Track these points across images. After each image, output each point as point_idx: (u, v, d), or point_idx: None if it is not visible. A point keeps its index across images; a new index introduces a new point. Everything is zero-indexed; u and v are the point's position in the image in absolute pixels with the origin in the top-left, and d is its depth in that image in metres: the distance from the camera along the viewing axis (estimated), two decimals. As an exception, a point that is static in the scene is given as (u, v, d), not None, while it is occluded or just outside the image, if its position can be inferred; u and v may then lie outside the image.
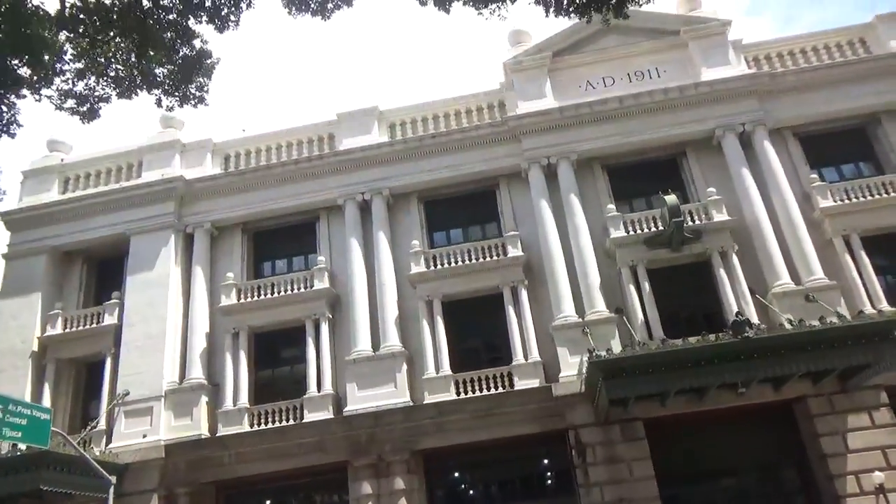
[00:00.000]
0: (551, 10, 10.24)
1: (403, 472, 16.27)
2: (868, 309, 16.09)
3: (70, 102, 10.40)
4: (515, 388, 16.82)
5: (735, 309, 16.59)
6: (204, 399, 18.16)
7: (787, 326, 14.31)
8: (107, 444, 17.58)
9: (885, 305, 16.31)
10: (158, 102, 10.50)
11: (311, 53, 51.19)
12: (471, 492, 17.07)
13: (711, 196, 18.23)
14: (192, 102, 10.62)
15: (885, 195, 17.85)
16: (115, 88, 10.51)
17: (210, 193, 20.98)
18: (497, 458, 17.01)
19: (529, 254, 18.64)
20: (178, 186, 20.68)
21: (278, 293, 19.21)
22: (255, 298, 19.25)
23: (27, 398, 18.43)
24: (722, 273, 17.28)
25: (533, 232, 18.97)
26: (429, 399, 17.05)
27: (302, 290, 19.13)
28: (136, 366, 18.54)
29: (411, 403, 17.06)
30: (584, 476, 15.47)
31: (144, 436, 17.55)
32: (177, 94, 10.48)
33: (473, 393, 17.03)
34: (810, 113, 19.31)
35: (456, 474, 17.27)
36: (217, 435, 17.51)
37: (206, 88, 10.54)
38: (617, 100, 19.68)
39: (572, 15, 10.13)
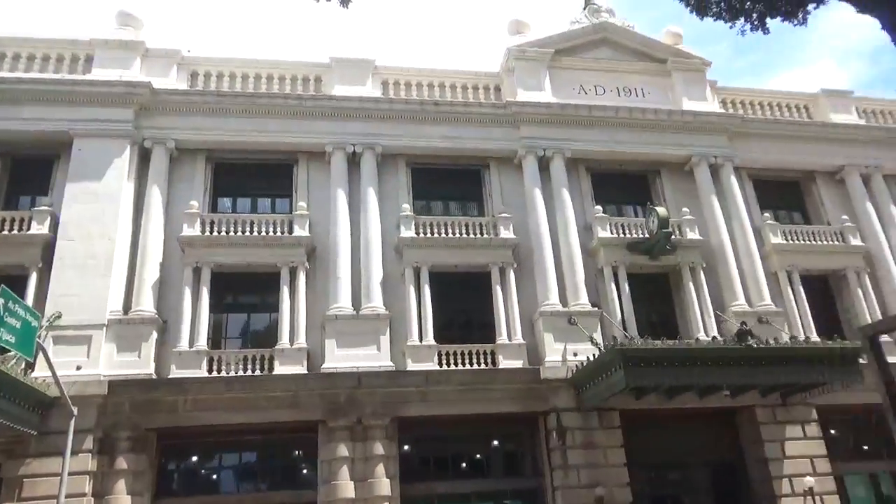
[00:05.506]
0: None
1: (382, 437, 15.61)
2: (800, 336, 18.40)
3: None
4: (499, 366, 16.92)
5: (700, 321, 18.25)
6: (154, 335, 16.02)
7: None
8: (26, 372, 14.81)
9: (814, 335, 18.68)
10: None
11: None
12: (443, 463, 16.79)
13: (685, 215, 19.78)
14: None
15: (815, 242, 20.60)
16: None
17: (176, 109, 18.63)
18: (470, 433, 16.99)
19: (517, 238, 18.82)
20: (143, 93, 18.10)
21: (254, 232, 17.54)
22: (224, 234, 17.42)
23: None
24: (690, 286, 18.81)
25: (521, 217, 19.20)
26: (412, 366, 16.55)
27: (280, 234, 17.64)
28: (72, 287, 15.87)
29: (394, 368, 16.47)
30: (562, 458, 15.96)
31: (79, 367, 15.07)
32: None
33: (456, 366, 16.84)
34: (766, 160, 21.71)
35: (430, 445, 16.89)
36: (171, 376, 15.55)
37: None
38: (613, 109, 20.65)
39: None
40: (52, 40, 18.91)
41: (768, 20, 10.47)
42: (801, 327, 18.98)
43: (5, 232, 16.46)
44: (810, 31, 62.90)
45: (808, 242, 20.48)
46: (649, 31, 23.12)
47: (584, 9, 22.83)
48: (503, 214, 18.99)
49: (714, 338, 15.25)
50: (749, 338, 14.34)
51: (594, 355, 15.17)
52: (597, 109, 20.49)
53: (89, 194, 16.95)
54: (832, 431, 18.21)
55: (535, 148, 19.86)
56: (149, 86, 18.13)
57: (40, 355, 14.41)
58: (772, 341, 14.81)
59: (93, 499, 14.18)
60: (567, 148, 20.09)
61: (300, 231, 17.72)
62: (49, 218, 16.69)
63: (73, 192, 16.95)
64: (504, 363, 16.99)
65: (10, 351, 13.11)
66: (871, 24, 53.19)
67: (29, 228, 16.53)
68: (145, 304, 16.32)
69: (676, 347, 14.35)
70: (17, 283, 16.17)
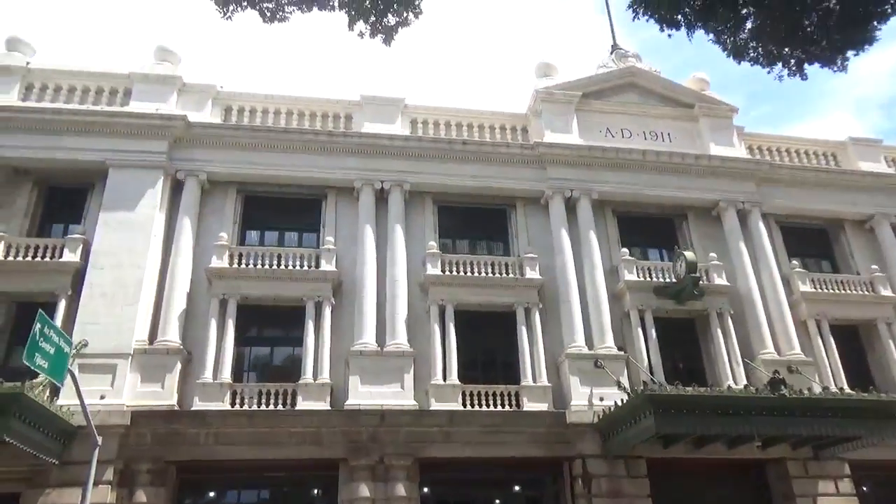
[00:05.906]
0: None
1: (404, 478, 15.31)
2: (832, 387, 17.97)
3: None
4: (523, 408, 16.65)
5: (728, 369, 17.92)
6: (178, 366, 15.96)
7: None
8: (50, 400, 14.76)
9: (845, 387, 18.22)
10: (351, 24, 9.44)
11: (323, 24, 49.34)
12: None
13: (713, 260, 19.61)
14: (382, 35, 9.67)
15: (844, 291, 20.29)
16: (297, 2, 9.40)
17: (209, 143, 18.93)
18: (492, 477, 16.63)
19: (543, 279, 18.70)
20: (178, 126, 18.45)
21: (281, 266, 17.60)
22: (252, 266, 17.49)
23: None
24: (718, 332, 18.52)
25: (547, 258, 19.14)
26: (435, 406, 16.32)
27: (307, 267, 17.69)
28: (99, 315, 15.92)
29: (418, 407, 16.24)
30: (587, 506, 15.55)
31: (103, 397, 14.99)
32: (372, 19, 9.48)
33: (480, 406, 16.60)
34: (794, 207, 21.57)
35: (451, 489, 16.52)
36: (193, 409, 15.44)
37: (406, 21, 9.57)
38: (640, 152, 20.70)
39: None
40: (92, 73, 19.40)
41: (806, 66, 10.51)
42: (831, 378, 18.54)
43: (38, 259, 16.64)
44: (824, 83, 63.25)
45: (837, 291, 20.16)
46: (674, 77, 23.32)
47: (612, 54, 23.15)
48: (529, 255, 18.93)
49: (746, 386, 14.94)
50: (783, 387, 14.01)
51: (622, 400, 14.89)
52: (624, 152, 20.57)
53: (121, 223, 17.14)
54: (864, 488, 17.62)
55: (561, 189, 19.91)
56: (184, 119, 18.48)
57: (65, 383, 14.45)
58: (806, 391, 14.47)
59: (110, 532, 13.96)
60: (594, 190, 20.11)
61: (327, 266, 17.76)
62: (81, 246, 16.87)
63: (106, 221, 17.15)
64: (528, 405, 16.72)
65: (37, 376, 13.17)
66: (885, 75, 53.29)
67: (61, 256, 16.70)
68: (171, 334, 16.32)
69: (708, 395, 14.05)
70: (46, 311, 16.26)
